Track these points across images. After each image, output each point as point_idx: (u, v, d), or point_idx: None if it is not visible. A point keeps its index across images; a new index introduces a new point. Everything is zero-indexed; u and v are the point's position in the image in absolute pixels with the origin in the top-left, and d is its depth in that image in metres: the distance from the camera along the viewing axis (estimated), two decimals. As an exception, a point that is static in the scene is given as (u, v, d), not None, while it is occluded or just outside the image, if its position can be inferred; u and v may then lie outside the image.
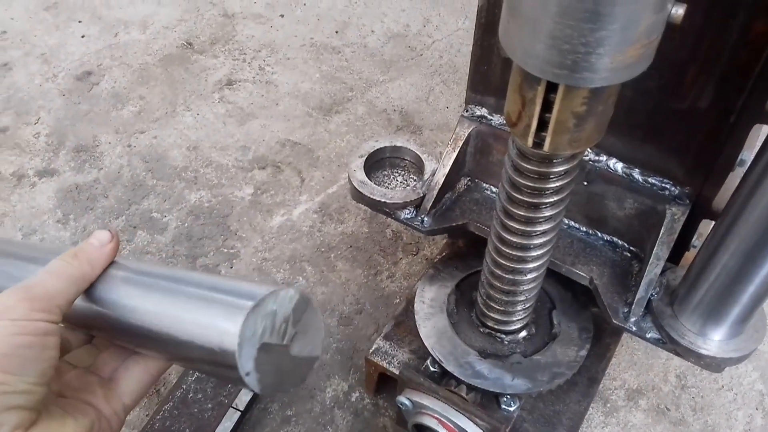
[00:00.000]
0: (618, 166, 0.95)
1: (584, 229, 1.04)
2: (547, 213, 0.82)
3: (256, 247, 1.45)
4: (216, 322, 0.53)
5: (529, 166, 0.76)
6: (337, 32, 1.99)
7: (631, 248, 1.01)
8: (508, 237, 0.86)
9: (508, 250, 0.87)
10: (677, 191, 0.92)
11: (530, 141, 0.70)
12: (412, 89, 1.82)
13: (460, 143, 1.04)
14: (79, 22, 2.02)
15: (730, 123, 0.82)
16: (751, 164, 0.78)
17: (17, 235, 1.45)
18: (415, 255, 1.45)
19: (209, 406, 1.14)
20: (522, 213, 0.82)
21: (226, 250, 1.44)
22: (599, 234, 1.03)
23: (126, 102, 1.77)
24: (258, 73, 1.86)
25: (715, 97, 0.81)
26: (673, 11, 0.60)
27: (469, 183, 1.12)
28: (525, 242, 0.85)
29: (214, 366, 0.54)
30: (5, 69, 1.85)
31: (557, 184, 0.78)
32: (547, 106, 0.66)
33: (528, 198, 0.80)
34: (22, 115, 1.72)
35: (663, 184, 0.93)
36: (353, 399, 1.21)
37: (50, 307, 0.56)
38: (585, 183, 0.99)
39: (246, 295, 0.54)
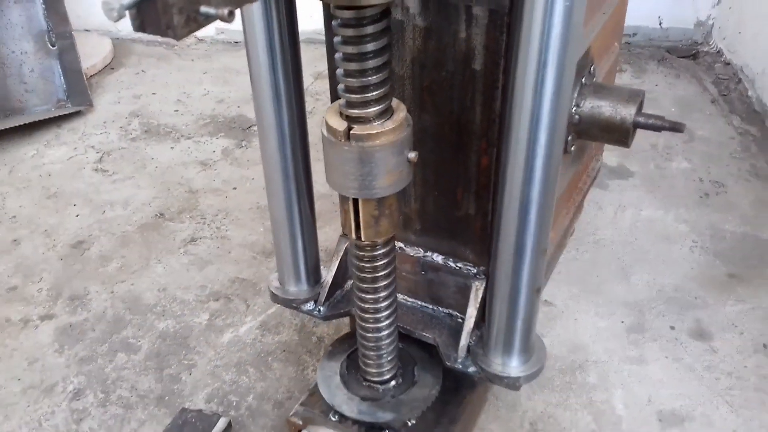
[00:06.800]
0: (438, 257, 1.42)
1: (430, 306, 1.49)
2: (383, 287, 1.28)
3: (210, 358, 1.86)
4: None
5: (361, 253, 1.24)
6: (278, 197, 2.53)
7: (461, 315, 1.46)
8: (363, 314, 1.31)
9: (365, 323, 1.32)
10: (475, 270, 1.39)
11: (354, 235, 1.18)
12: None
13: (340, 255, 1.52)
14: (74, 205, 2.55)
15: (490, 221, 1.31)
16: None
17: (23, 363, 1.85)
18: (335, 354, 1.86)
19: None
20: (367, 295, 1.28)
21: (186, 362, 1.85)
22: (440, 308, 1.48)
23: (110, 260, 2.24)
24: (215, 231, 2.37)
25: (477, 206, 1.31)
26: (410, 156, 1.11)
27: (354, 284, 1.58)
28: (376, 315, 1.30)
29: None
30: (15, 243, 2.34)
31: (383, 261, 1.25)
32: (358, 213, 1.16)
33: (368, 283, 1.27)
34: (29, 275, 2.19)
35: (467, 267, 1.40)
36: (283, 460, 1.57)
37: None
38: (423, 272, 1.46)
39: None
